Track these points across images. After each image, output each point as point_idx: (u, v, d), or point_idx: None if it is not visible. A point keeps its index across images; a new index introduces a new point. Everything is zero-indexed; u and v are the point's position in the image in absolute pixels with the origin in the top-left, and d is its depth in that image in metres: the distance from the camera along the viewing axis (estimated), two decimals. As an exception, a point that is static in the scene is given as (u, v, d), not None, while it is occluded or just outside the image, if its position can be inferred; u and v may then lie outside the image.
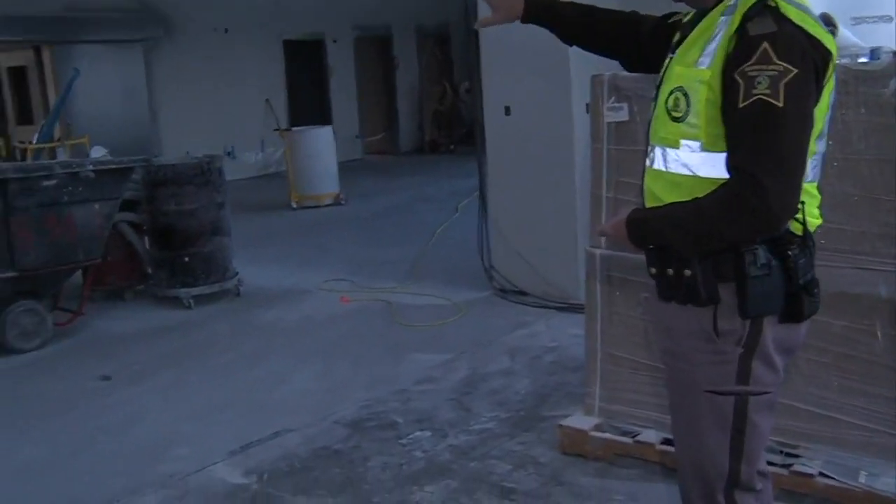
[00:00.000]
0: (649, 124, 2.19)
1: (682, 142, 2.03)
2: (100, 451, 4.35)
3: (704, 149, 1.99)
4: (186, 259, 6.82)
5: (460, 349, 5.51)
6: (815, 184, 2.09)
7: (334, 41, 16.64)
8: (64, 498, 3.88)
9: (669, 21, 2.33)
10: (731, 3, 2.00)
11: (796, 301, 2.01)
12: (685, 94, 2.01)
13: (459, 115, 17.37)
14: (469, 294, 6.72)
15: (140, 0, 13.69)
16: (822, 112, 1.99)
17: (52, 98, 12.49)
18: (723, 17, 2.00)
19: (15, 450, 4.40)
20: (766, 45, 1.87)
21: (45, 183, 5.86)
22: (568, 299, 6.06)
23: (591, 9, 2.49)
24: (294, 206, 11.55)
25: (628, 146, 3.72)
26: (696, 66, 2.00)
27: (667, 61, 2.16)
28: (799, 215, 1.98)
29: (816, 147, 2.02)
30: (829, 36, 1.97)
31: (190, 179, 6.77)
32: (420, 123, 18.26)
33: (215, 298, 7.01)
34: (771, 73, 1.85)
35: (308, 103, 16.18)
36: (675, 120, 2.04)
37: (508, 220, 6.57)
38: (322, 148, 11.57)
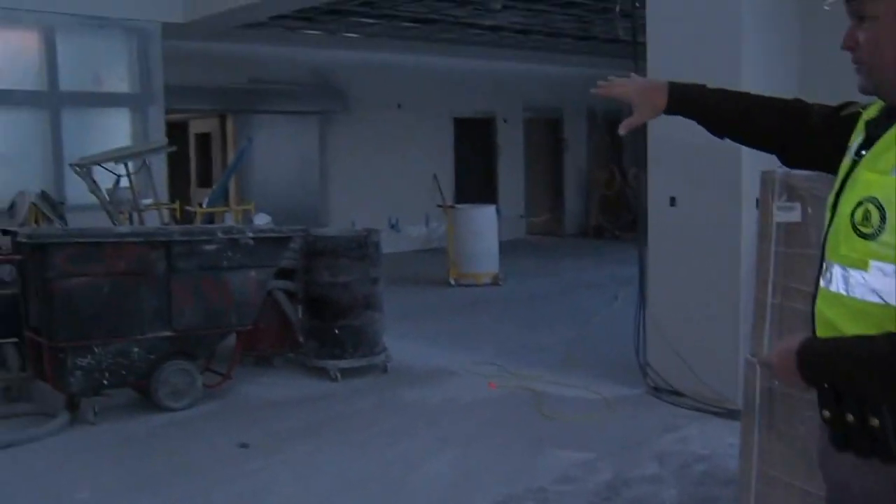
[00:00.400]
0: (825, 236, 1.86)
1: (873, 263, 1.68)
2: (227, 522, 4.29)
3: None
4: (336, 331, 6.82)
5: (605, 449, 5.20)
6: None
7: (504, 120, 16.76)
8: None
9: (842, 113, 2.03)
10: None
11: None
12: (879, 207, 1.66)
13: (626, 201, 17.04)
14: (620, 389, 6.40)
15: (319, 75, 14.22)
16: None
17: (231, 161, 13.03)
18: None
19: (146, 511, 4.41)
20: None
21: (207, 247, 6.00)
22: (726, 404, 5.65)
23: (745, 97, 2.23)
24: (452, 282, 11.52)
25: (799, 249, 3.41)
26: (893, 174, 1.67)
27: (847, 163, 1.85)
28: None
29: None
30: None
31: (346, 252, 6.80)
32: (586, 207, 18.05)
33: (362, 372, 6.96)
34: None
35: (475, 180, 16.29)
36: (864, 236, 1.69)
37: (667, 315, 6.24)
38: (484, 226, 11.53)
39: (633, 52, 6.96)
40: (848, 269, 1.73)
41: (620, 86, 2.27)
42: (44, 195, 9.11)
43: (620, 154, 17.67)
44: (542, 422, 5.79)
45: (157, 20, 10.62)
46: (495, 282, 11.48)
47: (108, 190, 7.45)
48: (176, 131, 14.62)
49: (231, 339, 6.48)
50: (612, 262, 13.01)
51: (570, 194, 17.92)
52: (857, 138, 1.88)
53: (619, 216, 17.12)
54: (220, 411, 6.12)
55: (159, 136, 10.68)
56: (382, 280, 7.09)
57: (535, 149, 17.57)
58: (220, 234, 6.11)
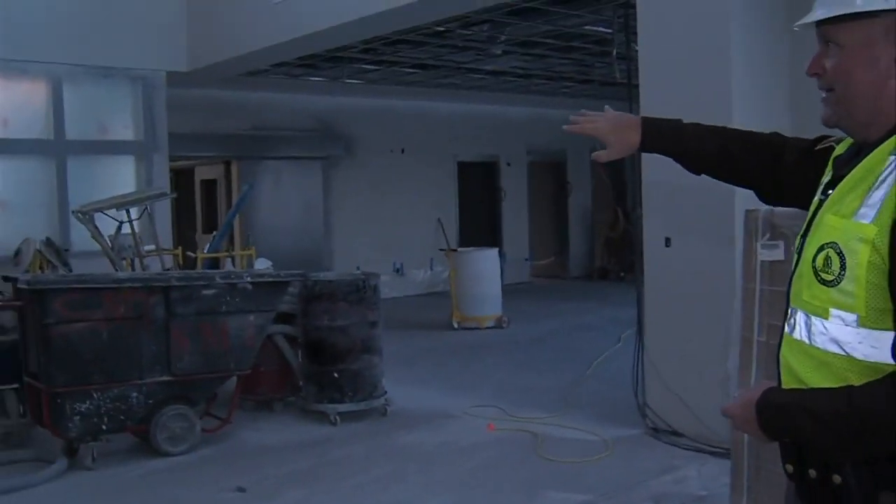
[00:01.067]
0: (790, 279, 1.78)
1: (833, 311, 1.61)
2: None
3: (862, 324, 1.58)
4: (335, 375, 6.83)
5: (601, 490, 5.19)
6: None
7: (508, 164, 16.86)
8: None
9: (817, 148, 1.97)
10: None
11: None
12: (839, 253, 1.60)
13: (630, 242, 17.07)
14: (619, 431, 6.38)
15: (323, 121, 14.37)
16: None
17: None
18: (892, 157, 1.61)
19: (140, 557, 4.41)
20: None
21: (205, 292, 6.05)
22: (724, 444, 5.62)
23: (722, 132, 2.16)
24: (455, 325, 11.53)
25: (783, 287, 3.43)
26: (855, 219, 1.60)
27: (815, 203, 1.79)
28: None
29: None
30: None
31: (344, 296, 6.84)
32: (591, 249, 18.08)
33: (361, 416, 6.96)
34: None
35: (479, 224, 16.35)
36: (825, 283, 1.63)
37: (665, 355, 6.25)
38: (486, 270, 11.56)
39: (628, 94, 7.07)
40: (810, 316, 1.68)
41: (591, 122, 2.24)
42: (48, 242, 9.20)
43: (624, 195, 17.75)
44: (540, 464, 5.77)
45: (162, 69, 10.79)
46: (499, 325, 11.48)
47: (110, 236, 7.52)
48: (182, 178, 14.82)
49: (231, 383, 6.50)
50: (615, 304, 12.99)
51: (574, 237, 17.96)
52: (826, 176, 1.83)
53: (623, 257, 17.14)
54: (218, 456, 6.12)
55: (163, 182, 10.81)
56: (381, 324, 7.11)
57: (539, 192, 17.64)
58: (218, 279, 6.16)
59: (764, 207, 3.48)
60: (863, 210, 1.60)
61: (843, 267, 1.59)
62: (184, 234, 14.38)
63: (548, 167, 17.72)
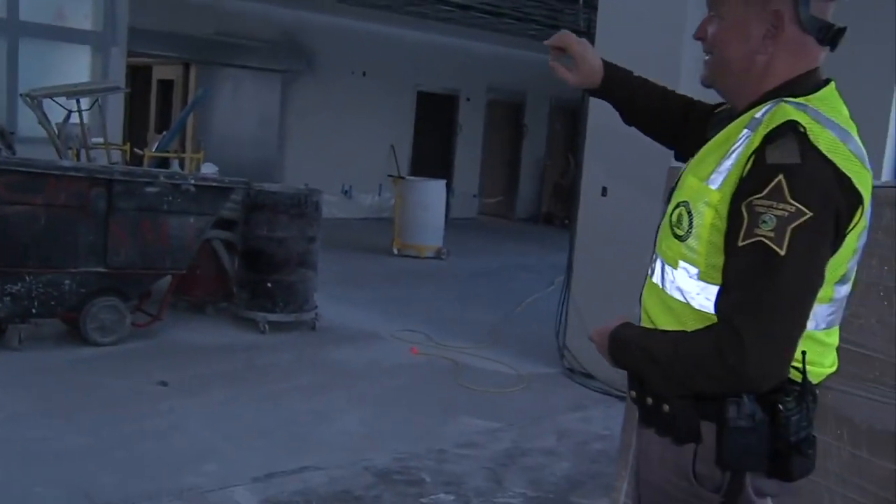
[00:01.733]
0: (658, 229, 1.92)
1: (681, 263, 1.78)
2: (134, 452, 4.44)
3: (701, 278, 1.74)
4: (269, 284, 6.96)
5: (510, 420, 5.43)
6: (832, 330, 1.83)
7: (468, 99, 16.90)
8: (83, 489, 3.96)
9: (716, 111, 2.07)
10: (759, 114, 1.74)
11: (785, 460, 1.72)
12: (689, 212, 1.75)
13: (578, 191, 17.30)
14: (537, 368, 6.63)
15: (287, 34, 14.24)
16: (845, 256, 1.74)
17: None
18: (745, 131, 1.73)
19: (58, 436, 4.54)
20: (781, 177, 1.60)
21: (148, 189, 6.10)
22: (632, 390, 5.89)
23: (658, 88, 2.26)
24: (395, 252, 11.68)
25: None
26: (706, 182, 1.73)
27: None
28: (798, 364, 1.71)
29: (835, 292, 1.78)
30: (865, 171, 1.71)
31: (286, 209, 6.94)
32: (539, 193, 18.29)
33: (291, 328, 7.12)
34: (779, 212, 1.59)
35: (432, 156, 16.43)
36: (677, 237, 1.78)
37: (589, 301, 6.46)
38: (431, 200, 11.69)
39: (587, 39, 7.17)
40: (665, 264, 1.83)
41: (577, 42, 2.21)
42: (-6, 123, 9.09)
43: (577, 144, 17.86)
44: (457, 390, 6.00)
45: (128, -40, 10.57)
46: (438, 256, 11.66)
47: (57, 124, 7.48)
48: (139, 75, 14.59)
49: (166, 282, 6.60)
50: (556, 250, 13.16)
51: (525, 179, 18.14)
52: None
53: (569, 205, 17.33)
54: (145, 350, 6.25)
55: (119, 77, 10.64)
56: (319, 240, 7.23)
57: (495, 131, 17.74)
58: (162, 178, 6.20)
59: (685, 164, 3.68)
60: (713, 176, 1.73)
61: (690, 225, 1.75)
62: (136, 132, 14.22)
63: (506, 107, 17.79)
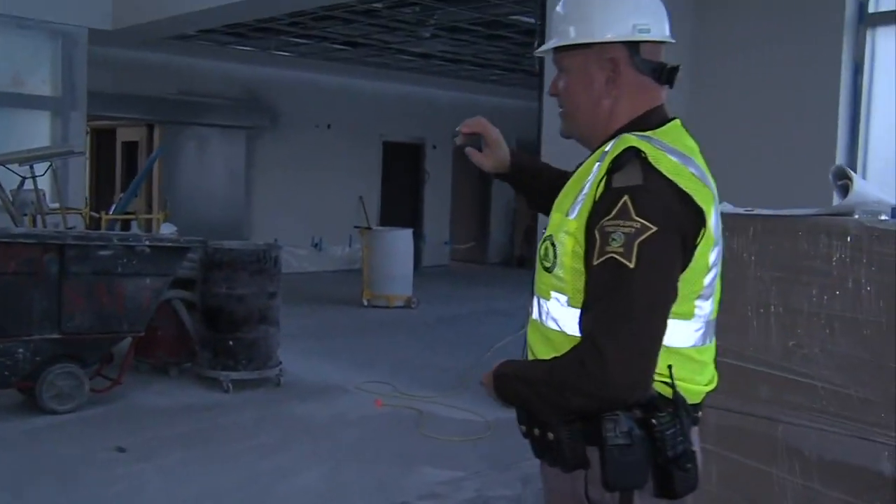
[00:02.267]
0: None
1: (553, 294, 1.89)
2: (86, 523, 4.35)
3: (570, 304, 1.84)
4: (231, 343, 6.90)
5: (475, 468, 5.36)
6: (705, 347, 1.92)
7: (434, 147, 16.97)
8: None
9: None
10: (607, 148, 1.88)
11: (666, 475, 1.78)
12: (553, 244, 1.87)
13: (550, 233, 17.33)
14: (505, 413, 6.49)
15: (249, 91, 14.31)
16: (698, 272, 1.84)
17: (155, 171, 13.03)
18: (597, 164, 1.87)
19: (7, 510, 4.45)
20: (626, 198, 1.73)
21: (101, 252, 6.05)
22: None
23: (563, 173, 2.31)
24: (365, 303, 11.64)
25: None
26: (567, 215, 1.87)
27: None
28: (667, 379, 1.80)
29: (697, 308, 1.86)
30: (707, 190, 1.84)
31: (244, 265, 6.90)
32: (511, 236, 18.32)
33: (255, 385, 7.05)
34: (627, 229, 1.71)
35: (401, 205, 16.45)
36: (546, 270, 1.90)
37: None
38: (399, 250, 11.68)
39: (539, 85, 7.24)
40: (540, 299, 1.94)
41: (493, 128, 2.38)
42: (-48, 193, 9.04)
43: (546, 187, 17.91)
44: (420, 440, 5.92)
45: (84, 25, 10.61)
46: (408, 305, 11.62)
47: (12, 191, 7.45)
48: (104, 138, 14.62)
49: (127, 345, 6.52)
50: (528, 292, 13.20)
51: (495, 223, 18.17)
52: None
53: (541, 247, 17.34)
54: (104, 416, 6.15)
55: (80, 140, 10.65)
56: (280, 295, 7.18)
57: (463, 177, 17.78)
58: (115, 241, 6.17)
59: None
60: (572, 207, 1.87)
61: (555, 255, 1.87)
62: (103, 194, 14.21)
63: (474, 153, 17.80)
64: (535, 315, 1.97)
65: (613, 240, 1.71)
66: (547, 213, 2.31)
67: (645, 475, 1.77)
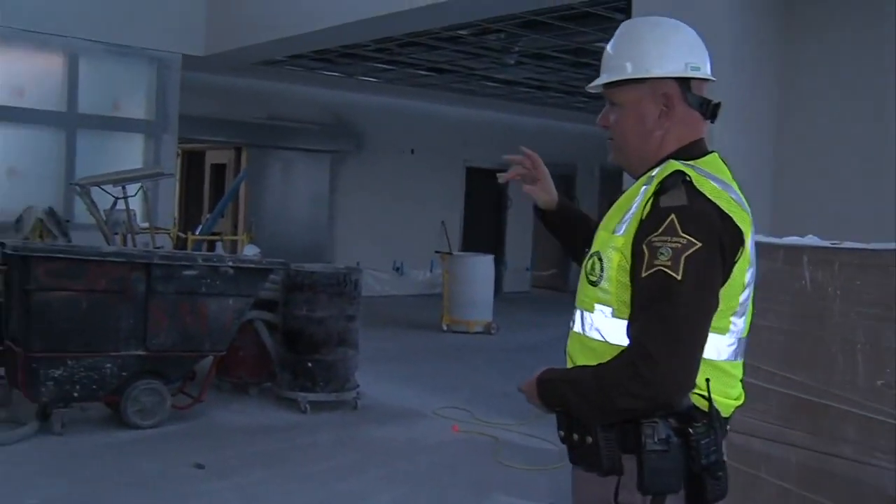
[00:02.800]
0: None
1: (597, 306, 2.02)
2: (163, 538, 4.42)
3: (615, 315, 1.98)
4: (309, 364, 6.97)
5: (549, 499, 5.29)
6: (737, 362, 2.06)
7: (517, 173, 16.92)
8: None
9: None
10: (653, 173, 2.04)
11: (699, 483, 1.90)
12: (600, 259, 2.02)
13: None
14: (581, 443, 6.46)
15: (335, 115, 14.52)
16: (735, 289, 1.98)
17: (242, 193, 13.32)
18: (645, 186, 2.03)
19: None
20: (673, 217, 1.89)
21: (186, 272, 6.20)
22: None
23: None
24: (445, 328, 11.65)
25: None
26: (614, 233, 2.02)
27: None
28: (704, 392, 1.93)
29: (732, 324, 2.00)
30: (745, 214, 2.00)
31: (324, 288, 6.97)
32: (596, 264, 18.11)
33: (332, 407, 7.10)
34: (674, 245, 1.86)
35: (483, 230, 16.46)
36: (592, 284, 2.04)
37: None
38: (479, 275, 11.68)
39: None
40: (584, 311, 2.08)
41: (542, 165, 2.59)
42: (50, 212, 9.36)
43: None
44: (495, 468, 5.88)
45: (178, 52, 10.96)
46: (487, 330, 11.59)
47: (105, 211, 7.69)
48: (194, 160, 15.01)
49: (208, 363, 6.64)
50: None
51: (578, 251, 18.01)
52: None
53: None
54: (185, 432, 6.27)
55: (170, 163, 10.98)
56: (359, 318, 7.23)
57: (547, 203, 17.70)
58: (200, 261, 6.30)
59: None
60: (619, 226, 2.02)
61: (602, 269, 2.01)
62: (191, 215, 14.58)
63: (557, 179, 17.34)
64: (576, 327, 2.10)
65: (661, 254, 1.86)
66: (575, 258, 2.49)
67: (679, 481, 1.89)
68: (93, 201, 7.59)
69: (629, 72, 2.08)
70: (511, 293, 16.25)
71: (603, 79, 2.13)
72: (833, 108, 5.76)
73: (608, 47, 2.16)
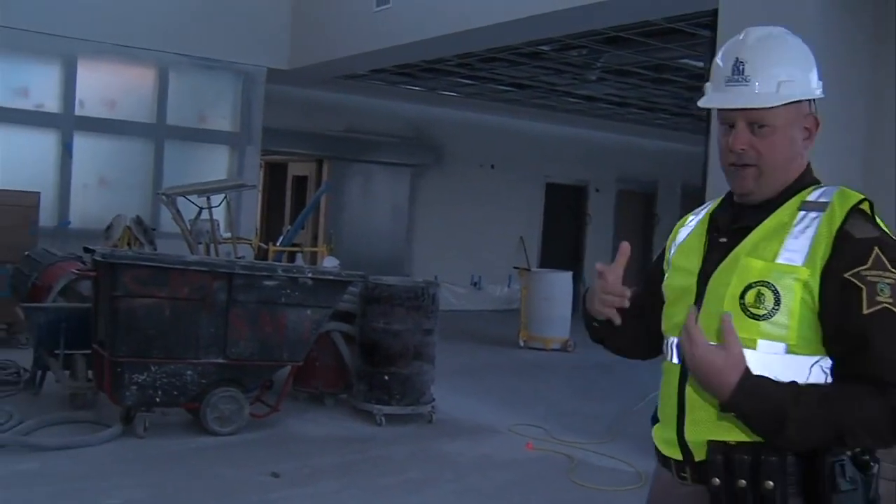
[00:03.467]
0: (668, 315, 2.10)
1: (762, 343, 1.85)
2: (238, 545, 4.47)
3: (791, 352, 1.84)
4: (385, 377, 7.00)
5: (624, 521, 5.22)
6: None
7: (597, 190, 16.84)
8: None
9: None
10: (811, 197, 1.93)
11: None
12: (774, 291, 1.84)
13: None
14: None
15: (415, 129, 14.62)
16: None
17: (322, 205, 13.50)
18: (805, 213, 1.90)
19: (167, 525, 4.64)
20: (877, 249, 1.81)
21: (266, 282, 6.28)
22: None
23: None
24: (521, 344, 11.60)
25: None
26: (781, 261, 1.86)
27: (698, 249, 2.06)
28: None
29: None
30: None
31: (402, 301, 7.00)
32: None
33: (407, 420, 7.11)
34: (889, 281, 1.78)
35: (562, 247, 16.37)
36: (755, 317, 1.85)
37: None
38: (558, 292, 11.59)
39: (706, 129, 7.08)
40: None
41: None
42: (138, 220, 9.64)
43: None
44: (570, 487, 5.81)
45: (263, 66, 11.19)
46: (564, 348, 11.50)
47: (190, 221, 7.87)
48: (276, 172, 15.27)
49: (285, 373, 6.72)
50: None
51: (657, 268, 17.77)
52: (691, 226, 2.18)
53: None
54: (261, 441, 6.34)
55: (253, 173, 11.21)
56: (436, 332, 7.25)
57: (626, 221, 17.55)
58: (280, 272, 6.39)
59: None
60: (786, 254, 1.86)
61: (777, 303, 1.84)
62: (273, 226, 14.83)
63: (637, 197, 17.62)
64: None
65: (881, 290, 1.78)
66: (635, 355, 2.44)
67: None
68: (178, 211, 7.78)
69: (798, 93, 1.93)
70: (589, 311, 16.09)
71: (771, 99, 1.92)
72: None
73: (752, 58, 1.94)
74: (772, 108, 1.92)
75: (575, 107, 14.00)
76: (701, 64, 9.75)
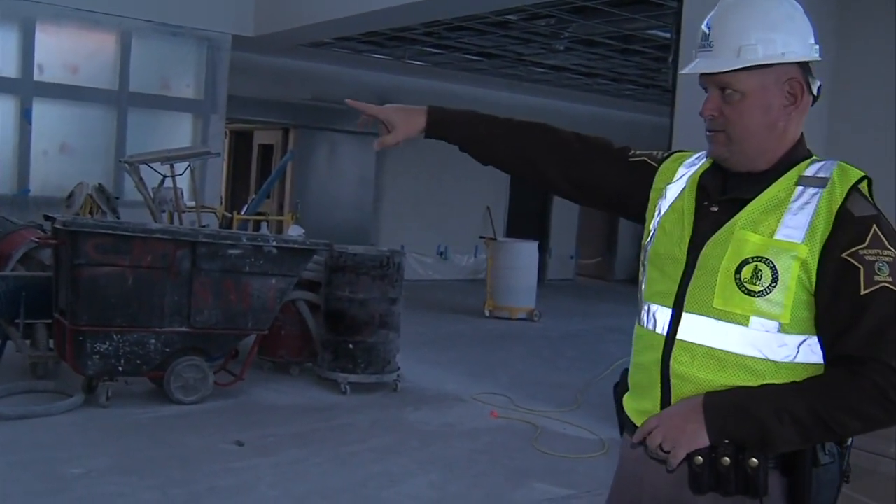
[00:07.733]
0: (650, 285, 2.05)
1: (755, 319, 1.81)
2: (201, 513, 4.47)
3: (783, 331, 1.80)
4: (350, 346, 7.00)
5: (586, 487, 5.28)
6: None
7: (564, 160, 16.83)
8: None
9: (631, 160, 2.16)
10: (808, 171, 1.87)
11: (837, 492, 1.85)
12: (772, 268, 1.80)
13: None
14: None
15: (382, 98, 14.50)
16: None
17: (288, 174, 13.39)
18: (803, 188, 1.85)
19: (130, 493, 4.63)
20: (875, 227, 1.78)
21: (231, 251, 6.25)
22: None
23: (517, 126, 2.30)
24: (487, 314, 11.64)
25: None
26: (780, 238, 1.81)
27: (688, 216, 1.96)
28: None
29: None
30: None
31: (367, 270, 6.99)
32: (639, 253, 17.99)
33: (372, 389, 7.13)
34: (887, 259, 1.76)
35: (528, 217, 16.37)
36: (751, 294, 1.81)
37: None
38: (523, 262, 11.64)
39: (671, 101, 7.09)
40: (725, 323, 1.84)
41: (378, 109, 2.31)
42: (100, 188, 9.48)
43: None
44: (533, 455, 5.87)
45: (228, 32, 11.03)
46: (530, 317, 11.56)
47: (153, 189, 7.78)
48: (241, 140, 15.12)
49: (250, 342, 6.70)
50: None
51: (623, 239, 17.88)
52: (679, 188, 2.04)
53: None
54: (226, 409, 6.34)
55: (218, 142, 11.07)
56: (401, 301, 7.25)
57: (593, 191, 17.59)
58: (244, 240, 6.35)
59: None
60: (785, 231, 1.82)
61: (774, 280, 1.80)
62: (238, 195, 14.70)
63: (604, 168, 17.62)
64: (699, 340, 1.87)
65: (880, 269, 1.75)
66: (509, 171, 2.33)
67: (836, 492, 1.84)
68: (141, 179, 7.69)
69: (760, 56, 1.85)
70: (555, 281, 16.20)
71: (729, 64, 1.86)
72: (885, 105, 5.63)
73: (718, 25, 1.90)
74: (734, 72, 1.86)
75: (543, 77, 13.97)
76: (668, 35, 9.75)
